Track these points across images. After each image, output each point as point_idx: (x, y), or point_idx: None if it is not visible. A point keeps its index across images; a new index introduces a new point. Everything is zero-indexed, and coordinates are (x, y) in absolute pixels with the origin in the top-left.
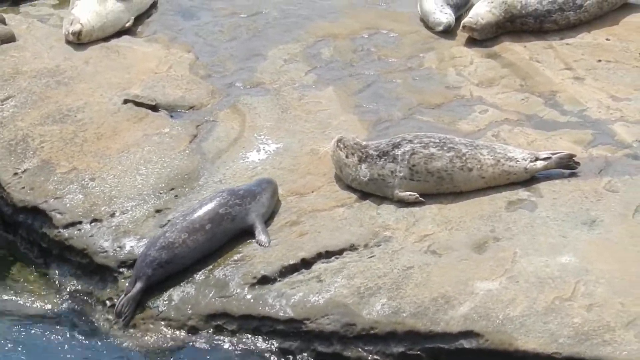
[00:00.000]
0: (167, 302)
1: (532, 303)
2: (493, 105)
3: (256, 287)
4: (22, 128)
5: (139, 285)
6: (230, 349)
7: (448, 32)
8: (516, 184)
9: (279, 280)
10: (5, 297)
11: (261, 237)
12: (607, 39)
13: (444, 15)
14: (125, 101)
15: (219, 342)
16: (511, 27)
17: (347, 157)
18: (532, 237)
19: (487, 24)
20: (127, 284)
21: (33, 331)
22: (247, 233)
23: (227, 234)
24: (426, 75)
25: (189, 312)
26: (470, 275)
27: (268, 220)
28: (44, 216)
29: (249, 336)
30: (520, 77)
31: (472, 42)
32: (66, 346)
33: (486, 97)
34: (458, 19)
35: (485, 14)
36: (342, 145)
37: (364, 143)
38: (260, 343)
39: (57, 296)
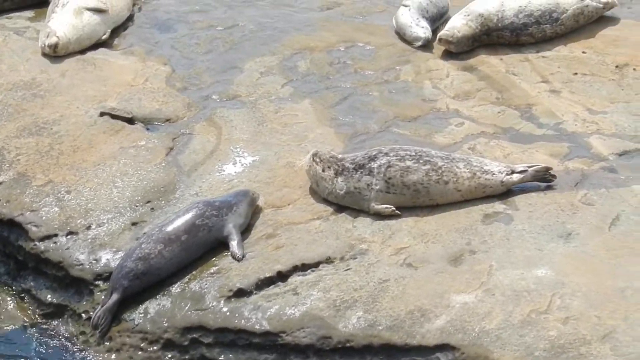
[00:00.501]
0: (143, 315)
1: (508, 316)
2: (469, 118)
3: (232, 300)
4: None
5: (115, 296)
6: None
7: (426, 46)
8: (492, 197)
9: (255, 293)
10: None
11: (235, 250)
12: (583, 52)
13: (421, 30)
14: (102, 114)
15: (195, 356)
16: (487, 40)
17: (323, 170)
18: (508, 250)
19: (464, 37)
20: (103, 297)
21: (7, 344)
22: (223, 245)
23: (203, 245)
24: (402, 88)
25: (165, 325)
26: (447, 288)
27: (244, 232)
28: (20, 229)
29: (225, 349)
30: (496, 90)
31: (448, 55)
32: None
33: (462, 110)
34: (434, 31)
35: (461, 26)
36: (318, 159)
37: (339, 156)
38: (236, 356)
39: (33, 309)
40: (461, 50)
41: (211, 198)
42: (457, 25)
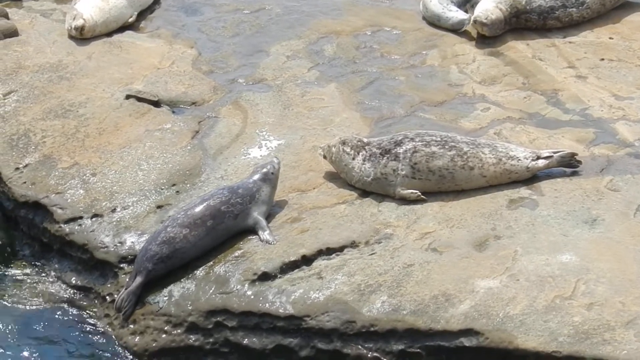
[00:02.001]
0: (167, 297)
1: (532, 301)
2: (495, 103)
3: (256, 283)
4: (24, 123)
5: (139, 279)
6: (230, 345)
7: (461, 29)
8: (518, 182)
9: (280, 277)
10: (4, 292)
11: (266, 237)
12: (610, 38)
13: (459, 13)
14: (128, 96)
15: (219, 339)
16: (516, 22)
17: (353, 158)
18: (533, 236)
19: (497, 19)
20: (127, 279)
21: (33, 327)
22: (247, 230)
23: (228, 231)
24: (429, 73)
25: (189, 308)
26: (471, 273)
27: (269, 217)
28: (45, 211)
29: (249, 333)
30: (522, 75)
31: (475, 39)
32: (66, 342)
33: (488, 95)
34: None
35: (493, 9)
36: (347, 148)
37: (366, 140)
38: (260, 340)
39: (57, 291)
40: (494, 33)
41: (233, 184)
42: (489, 7)
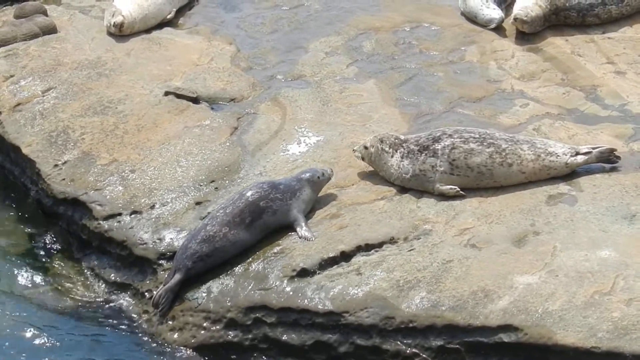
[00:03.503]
0: (206, 294)
1: (571, 297)
2: (534, 99)
3: (295, 279)
4: (63, 119)
5: (177, 276)
6: (268, 341)
7: (497, 27)
8: (557, 178)
9: (319, 273)
10: (44, 288)
11: (305, 234)
12: None
13: (494, 11)
14: (166, 93)
15: (258, 335)
16: (555, 20)
17: (392, 156)
18: (572, 232)
19: (537, 17)
20: (166, 276)
21: (72, 322)
22: (287, 226)
23: (267, 228)
24: (467, 69)
25: (228, 304)
26: (510, 269)
27: (308, 212)
28: (84, 208)
29: (288, 329)
30: (561, 71)
31: (513, 35)
32: (104, 338)
33: (527, 91)
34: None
35: (532, 6)
36: (386, 146)
37: (403, 137)
38: (299, 336)
39: (96, 288)
40: (534, 30)
41: (275, 180)
42: (529, 4)
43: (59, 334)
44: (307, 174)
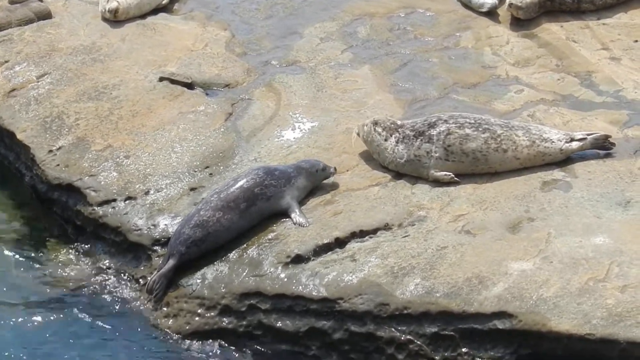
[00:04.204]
0: (200, 280)
1: (565, 284)
2: (529, 85)
3: (290, 266)
4: (58, 105)
5: (171, 262)
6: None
7: (490, 12)
8: (551, 164)
9: (313, 260)
10: (39, 273)
11: (299, 219)
12: None
13: None
14: (161, 79)
15: (252, 322)
16: (550, 6)
17: (385, 140)
18: (566, 218)
19: (531, 3)
20: (160, 262)
21: (66, 308)
22: (281, 213)
23: (261, 214)
24: (462, 55)
25: (223, 290)
26: (504, 255)
27: (303, 198)
28: (79, 194)
29: (282, 316)
30: (556, 57)
31: (508, 21)
32: (98, 324)
33: (522, 77)
34: None
35: None
36: (380, 129)
37: (399, 122)
38: (293, 323)
39: (91, 273)
40: (529, 17)
41: (271, 166)
42: None
43: (52, 319)
44: (306, 164)
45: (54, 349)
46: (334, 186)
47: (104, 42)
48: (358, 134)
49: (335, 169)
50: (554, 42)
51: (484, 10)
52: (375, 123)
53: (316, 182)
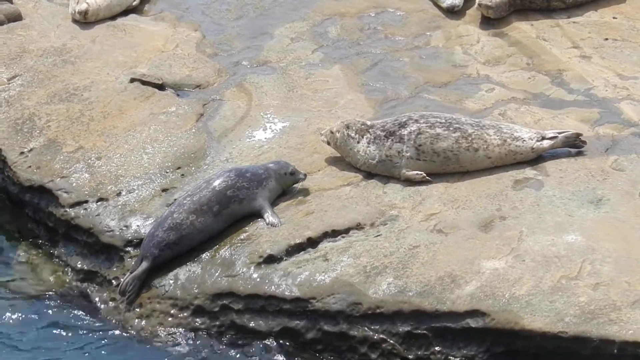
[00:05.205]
0: (173, 281)
1: (538, 282)
2: (500, 83)
3: (262, 266)
4: (29, 107)
5: (144, 264)
6: (236, 328)
7: (454, 12)
8: (523, 163)
9: (285, 260)
10: (11, 277)
11: (271, 220)
12: (614, 17)
13: None
14: (132, 80)
15: (225, 322)
16: (520, 4)
17: (358, 142)
18: (538, 216)
19: (501, 2)
20: (133, 263)
21: (38, 310)
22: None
23: (234, 216)
24: (433, 54)
25: (195, 291)
26: (477, 254)
27: (274, 199)
28: (50, 195)
29: (255, 316)
30: (527, 56)
31: (479, 20)
32: (71, 326)
33: (493, 76)
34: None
35: None
36: (352, 132)
37: (369, 123)
38: (266, 322)
39: (63, 275)
40: (499, 16)
41: (242, 167)
42: None
43: (23, 322)
44: (276, 166)
45: (25, 351)
46: (306, 186)
47: (74, 43)
48: (328, 143)
49: (305, 175)
50: (525, 40)
51: (444, 5)
52: (347, 127)
53: (284, 185)
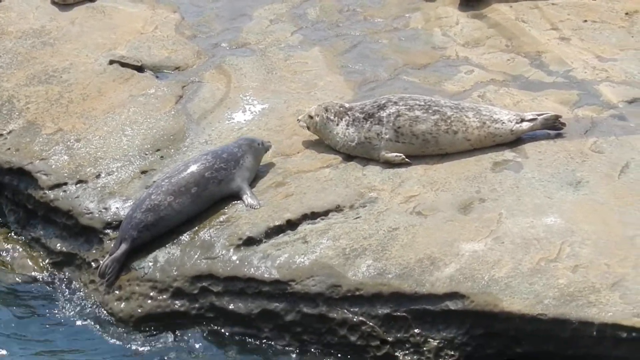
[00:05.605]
0: (152, 263)
1: (517, 264)
2: (479, 65)
3: (241, 248)
4: (8, 89)
5: (123, 246)
6: (215, 310)
7: None
8: (502, 145)
9: (265, 242)
10: None
11: (250, 201)
12: None
13: None
14: (111, 62)
15: (204, 304)
16: None
17: (337, 125)
18: (517, 198)
19: None
20: (112, 246)
21: (17, 294)
22: (232, 196)
23: (212, 198)
24: (412, 36)
25: (175, 273)
26: (456, 236)
27: (253, 181)
28: (30, 177)
29: (235, 298)
30: (506, 38)
31: (457, 2)
32: (51, 309)
33: (472, 58)
34: None
35: None
36: (331, 115)
37: (347, 105)
38: (246, 305)
39: (42, 258)
40: None
41: (217, 148)
42: None
43: (3, 305)
44: (247, 140)
45: (1, 334)
46: (285, 168)
47: (53, 25)
48: (308, 127)
49: (269, 142)
50: (504, 22)
51: None
52: (326, 109)
53: (260, 158)
